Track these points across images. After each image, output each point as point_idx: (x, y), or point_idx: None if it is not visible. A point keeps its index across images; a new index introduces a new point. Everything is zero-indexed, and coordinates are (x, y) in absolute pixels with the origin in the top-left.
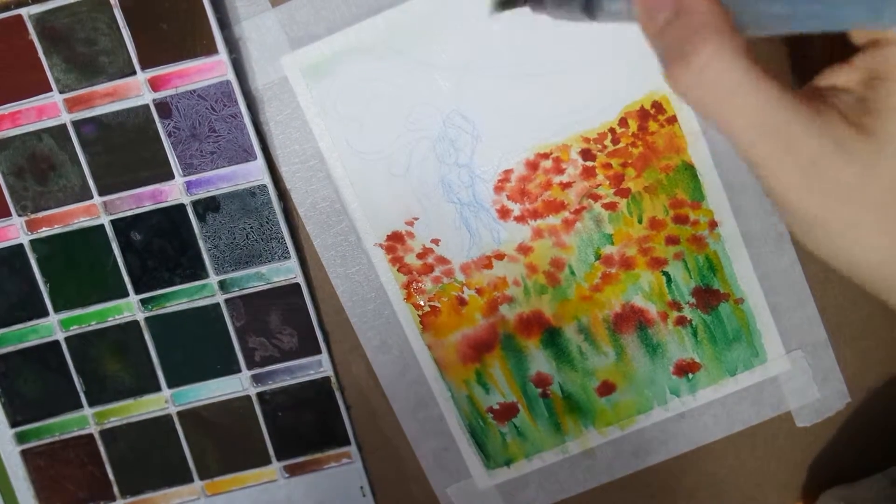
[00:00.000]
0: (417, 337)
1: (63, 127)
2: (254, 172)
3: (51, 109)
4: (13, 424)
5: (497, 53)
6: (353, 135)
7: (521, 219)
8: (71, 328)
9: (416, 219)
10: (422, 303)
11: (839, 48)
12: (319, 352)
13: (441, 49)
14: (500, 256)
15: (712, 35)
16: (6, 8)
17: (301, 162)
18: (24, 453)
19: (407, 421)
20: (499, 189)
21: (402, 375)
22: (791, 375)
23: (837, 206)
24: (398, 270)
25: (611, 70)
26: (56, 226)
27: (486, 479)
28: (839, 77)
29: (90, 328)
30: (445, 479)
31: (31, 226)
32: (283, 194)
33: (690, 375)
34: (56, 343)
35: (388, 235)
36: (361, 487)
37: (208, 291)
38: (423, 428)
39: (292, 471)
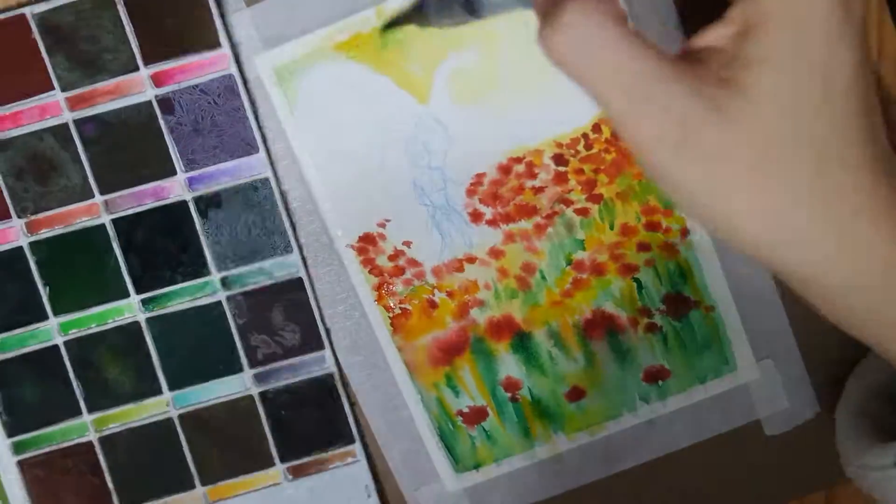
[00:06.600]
0: (388, 339)
1: (65, 126)
2: (256, 166)
3: (52, 108)
4: (10, 434)
5: (470, 56)
6: (325, 136)
7: (492, 223)
8: (70, 332)
9: (388, 220)
10: (392, 305)
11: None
12: (322, 348)
13: (414, 51)
14: (471, 260)
15: None
16: (9, 8)
17: (274, 162)
18: (21, 464)
19: (376, 422)
20: (471, 192)
21: (371, 377)
22: (761, 384)
23: (713, 170)
24: (369, 272)
25: None
26: (57, 226)
27: (455, 483)
28: (713, 34)
29: (90, 331)
30: (414, 482)
31: (32, 227)
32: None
33: (660, 382)
34: (55, 347)
35: (359, 237)
36: (366, 486)
37: (210, 289)
38: (392, 429)
39: (296, 472)
